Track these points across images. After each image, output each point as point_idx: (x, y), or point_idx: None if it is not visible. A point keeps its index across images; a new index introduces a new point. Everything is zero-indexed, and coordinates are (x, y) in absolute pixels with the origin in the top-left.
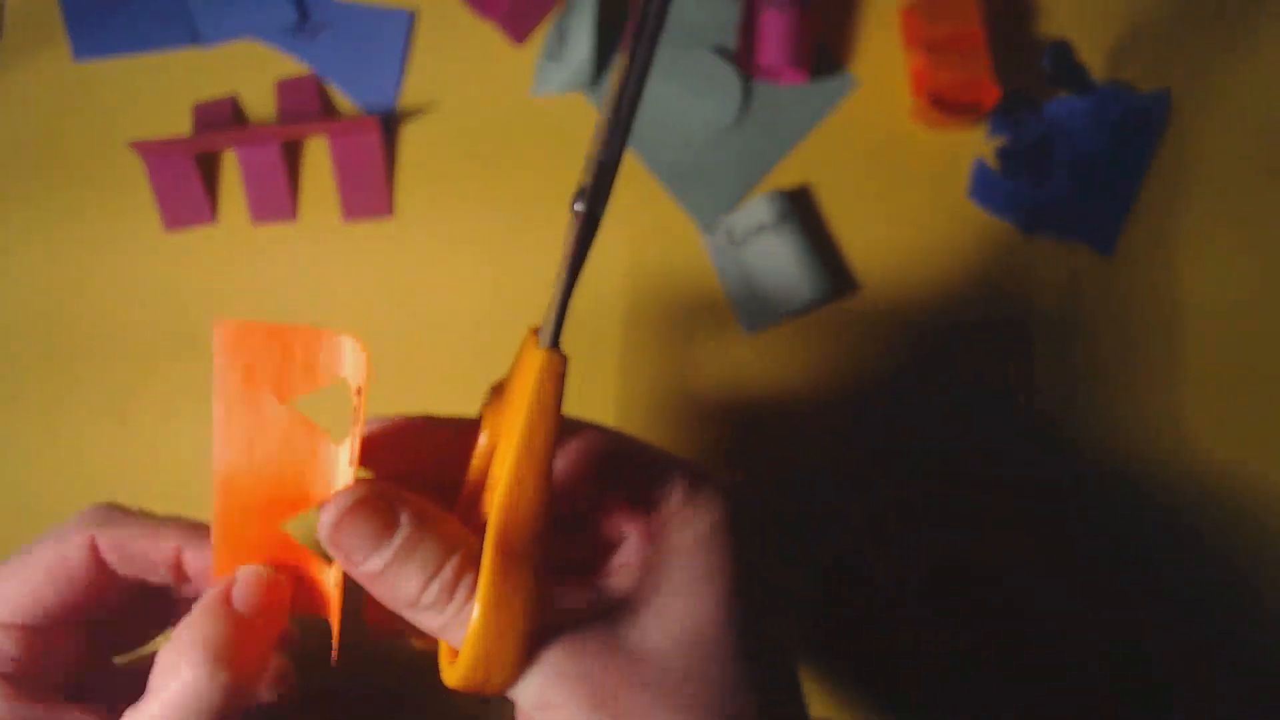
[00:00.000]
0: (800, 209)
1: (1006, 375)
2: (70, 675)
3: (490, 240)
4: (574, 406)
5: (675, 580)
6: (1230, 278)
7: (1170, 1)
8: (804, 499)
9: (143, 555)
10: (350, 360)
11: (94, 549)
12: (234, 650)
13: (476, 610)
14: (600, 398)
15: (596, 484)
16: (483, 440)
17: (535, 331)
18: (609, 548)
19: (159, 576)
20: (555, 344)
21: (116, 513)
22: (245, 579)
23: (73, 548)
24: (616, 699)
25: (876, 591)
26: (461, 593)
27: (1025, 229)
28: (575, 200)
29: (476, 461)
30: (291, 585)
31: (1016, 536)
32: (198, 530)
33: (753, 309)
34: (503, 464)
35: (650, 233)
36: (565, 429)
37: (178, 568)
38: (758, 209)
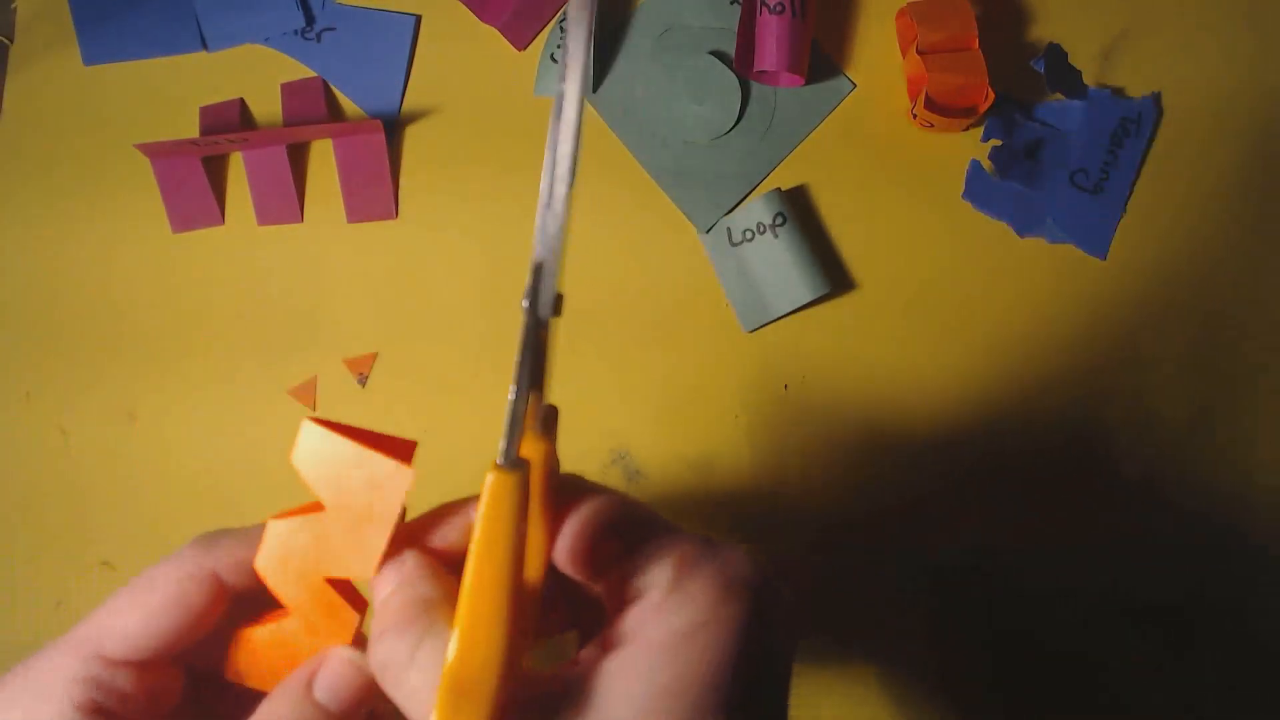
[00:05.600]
0: (798, 210)
1: (1001, 375)
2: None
3: (494, 242)
4: (575, 408)
5: (629, 687)
6: (1223, 280)
7: (1162, 6)
8: (804, 496)
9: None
10: (396, 483)
11: (214, 578)
12: None
13: None
14: (600, 398)
15: (585, 564)
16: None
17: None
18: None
19: None
20: (509, 460)
21: (224, 535)
22: (334, 667)
23: (191, 578)
24: None
25: (878, 587)
26: (401, 671)
27: (1019, 231)
28: (524, 297)
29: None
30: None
31: (1016, 528)
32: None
33: (751, 308)
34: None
35: (650, 234)
36: (570, 495)
37: None
38: (756, 210)
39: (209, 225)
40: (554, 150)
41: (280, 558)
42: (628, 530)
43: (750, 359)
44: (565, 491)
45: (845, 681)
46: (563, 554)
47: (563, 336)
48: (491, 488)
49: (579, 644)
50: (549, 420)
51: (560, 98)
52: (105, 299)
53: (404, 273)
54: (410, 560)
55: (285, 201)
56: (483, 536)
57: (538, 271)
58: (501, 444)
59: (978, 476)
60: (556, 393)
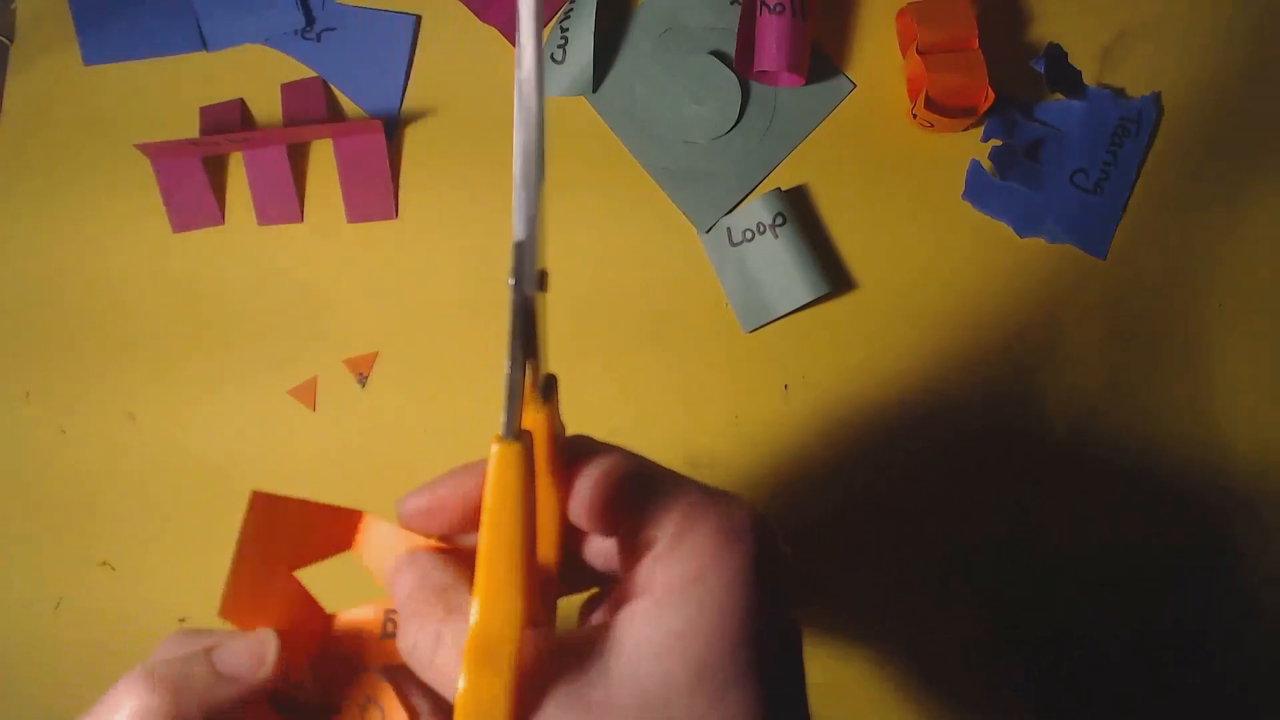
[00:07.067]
0: (798, 210)
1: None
2: None
3: (493, 242)
4: (574, 407)
5: (642, 634)
6: (1222, 281)
7: (1161, 6)
8: (803, 496)
9: None
10: (378, 538)
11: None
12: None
13: (459, 692)
14: (600, 398)
15: (601, 519)
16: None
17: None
18: (606, 593)
19: None
20: (511, 432)
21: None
22: (234, 647)
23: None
24: None
25: (879, 584)
26: (429, 650)
27: (1019, 231)
28: (510, 276)
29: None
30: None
31: (1016, 523)
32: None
33: (751, 308)
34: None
35: (650, 234)
36: (579, 453)
37: None
38: (756, 210)
39: (209, 225)
40: (524, 132)
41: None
42: (635, 485)
43: (750, 359)
44: (575, 451)
45: (846, 674)
46: (578, 510)
47: (562, 336)
48: (496, 459)
49: (601, 601)
50: (549, 388)
51: (520, 83)
52: (105, 299)
53: (404, 273)
54: (422, 556)
55: (285, 201)
56: (492, 506)
57: (519, 250)
58: (501, 418)
59: (977, 474)
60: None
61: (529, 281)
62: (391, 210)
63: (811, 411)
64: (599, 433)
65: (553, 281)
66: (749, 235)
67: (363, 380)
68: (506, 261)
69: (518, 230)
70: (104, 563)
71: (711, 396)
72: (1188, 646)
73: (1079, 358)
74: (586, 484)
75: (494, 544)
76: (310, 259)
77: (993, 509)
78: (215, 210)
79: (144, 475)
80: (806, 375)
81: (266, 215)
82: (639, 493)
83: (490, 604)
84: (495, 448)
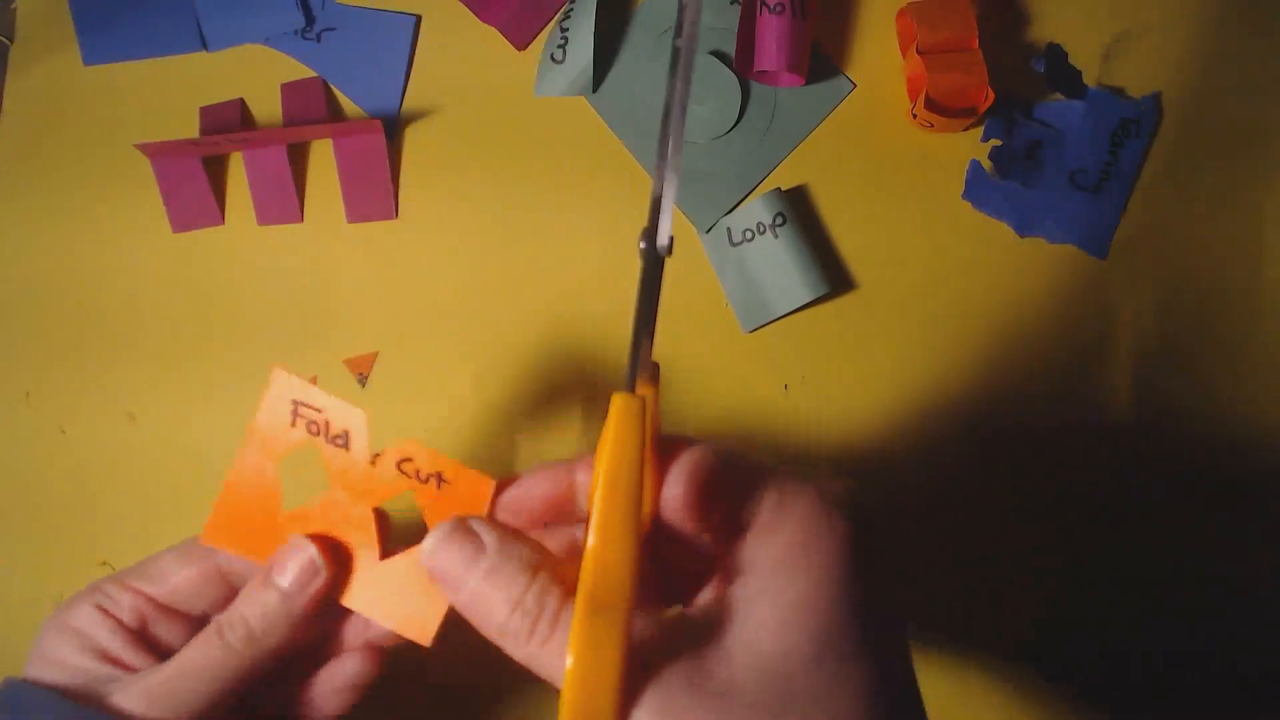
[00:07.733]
0: (798, 210)
1: (1001, 374)
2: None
3: (493, 242)
4: (573, 408)
5: (758, 610)
6: (1222, 280)
7: (1161, 7)
8: None
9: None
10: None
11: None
12: (268, 630)
13: (570, 661)
14: (599, 398)
15: (697, 509)
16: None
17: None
18: (705, 573)
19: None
20: (633, 387)
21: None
22: (287, 562)
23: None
24: None
25: None
26: (544, 626)
27: (1019, 230)
28: (641, 238)
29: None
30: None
31: (1016, 524)
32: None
33: (751, 308)
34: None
35: None
36: (668, 449)
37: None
38: (756, 210)
39: (209, 225)
40: (673, 98)
41: None
42: (729, 470)
43: (750, 359)
44: (666, 446)
45: None
46: (672, 503)
47: (561, 335)
48: (617, 410)
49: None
50: (654, 373)
51: (675, 52)
52: (105, 299)
53: (404, 273)
54: (487, 530)
55: (285, 201)
56: (611, 453)
57: (655, 206)
58: (627, 374)
59: (976, 474)
60: (556, 393)
61: (662, 241)
62: (391, 210)
63: (811, 411)
64: (598, 435)
65: (552, 281)
66: (749, 235)
67: (363, 380)
68: (520, 276)
69: (656, 186)
70: (104, 563)
71: (711, 397)
72: (1188, 647)
73: (1079, 357)
74: (679, 477)
75: (610, 498)
76: (310, 259)
77: (992, 509)
78: (215, 210)
79: (144, 475)
80: (806, 375)
81: (266, 215)
82: (734, 477)
83: (604, 559)
84: (618, 398)
